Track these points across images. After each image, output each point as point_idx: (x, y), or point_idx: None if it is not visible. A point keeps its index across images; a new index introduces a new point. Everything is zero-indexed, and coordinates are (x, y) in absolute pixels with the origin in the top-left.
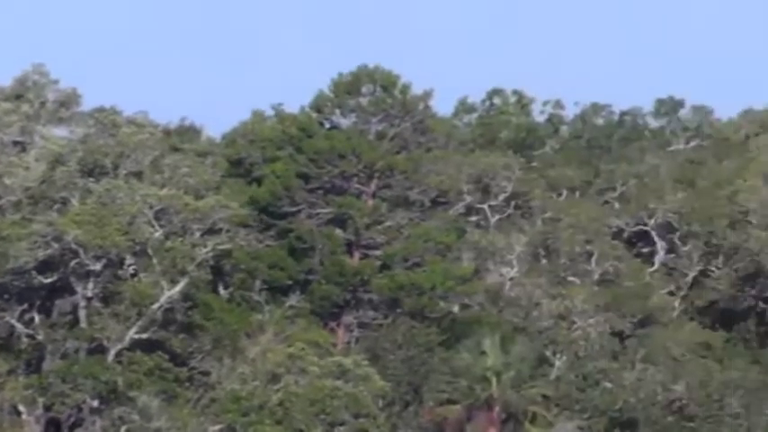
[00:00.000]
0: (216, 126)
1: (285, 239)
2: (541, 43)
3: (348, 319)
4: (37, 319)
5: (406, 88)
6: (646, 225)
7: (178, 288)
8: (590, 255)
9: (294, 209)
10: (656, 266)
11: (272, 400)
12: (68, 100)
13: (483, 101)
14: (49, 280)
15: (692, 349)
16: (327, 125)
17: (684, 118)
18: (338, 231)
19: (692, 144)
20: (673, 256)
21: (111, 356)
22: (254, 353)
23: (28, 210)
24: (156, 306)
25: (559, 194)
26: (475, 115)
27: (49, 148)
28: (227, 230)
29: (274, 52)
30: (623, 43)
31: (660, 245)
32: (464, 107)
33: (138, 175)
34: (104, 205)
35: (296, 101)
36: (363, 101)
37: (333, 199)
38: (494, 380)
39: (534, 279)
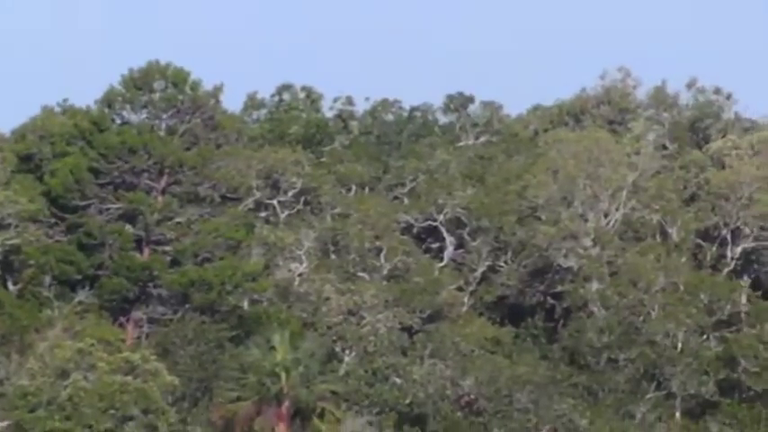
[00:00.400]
0: (5, 122)
1: (75, 234)
2: (331, 38)
3: (138, 314)
4: None
5: (196, 84)
6: (435, 221)
7: None
8: (379, 250)
9: (84, 203)
10: (445, 262)
11: (61, 395)
12: None
13: (272, 96)
14: None
15: (480, 344)
16: (118, 120)
17: (474, 114)
18: (128, 227)
19: (482, 140)
20: (462, 251)
21: None
22: (43, 348)
23: None
24: None
25: (349, 190)
26: (264, 111)
27: None
28: (16, 226)
29: (63, 47)
30: (413, 39)
31: (449, 240)
32: (253, 103)
33: None
34: None
35: (86, 97)
36: (154, 96)
37: (123, 194)
38: (283, 375)
39: (323, 275)
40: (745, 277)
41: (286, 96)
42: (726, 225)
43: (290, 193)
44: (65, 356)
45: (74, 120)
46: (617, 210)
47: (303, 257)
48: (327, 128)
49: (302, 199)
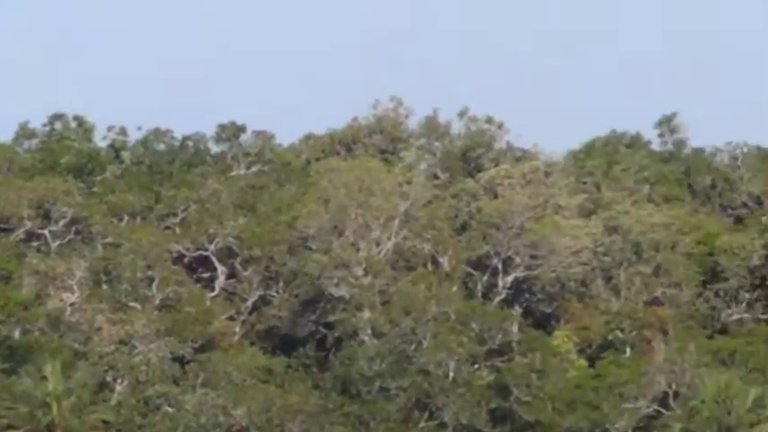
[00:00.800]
0: None
1: None
2: (103, 68)
3: None
4: None
5: None
6: (206, 250)
7: None
8: (151, 280)
9: None
10: (216, 291)
11: None
12: None
13: (44, 126)
14: None
15: (252, 374)
16: None
17: (246, 143)
18: None
19: (254, 169)
20: (233, 281)
21: None
22: None
23: None
24: None
25: (120, 220)
26: (36, 141)
27: None
28: None
29: None
30: (190, 68)
31: (221, 270)
32: (25, 132)
33: None
34: None
35: None
36: None
37: None
38: (54, 405)
39: (95, 304)
40: (517, 306)
41: (58, 126)
42: (497, 254)
43: (61, 223)
44: None
45: None
46: (389, 239)
47: (75, 287)
48: (99, 157)
49: (73, 228)
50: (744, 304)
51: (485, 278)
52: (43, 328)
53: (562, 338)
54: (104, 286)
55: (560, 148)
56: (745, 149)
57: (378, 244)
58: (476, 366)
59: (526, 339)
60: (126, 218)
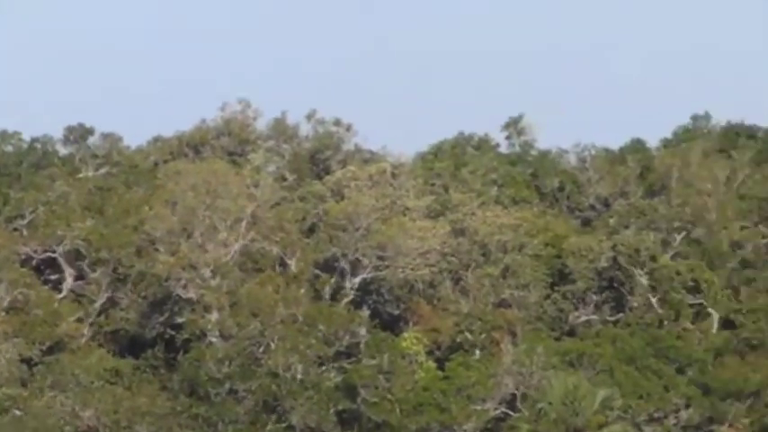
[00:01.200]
0: None
1: None
2: None
3: None
4: None
5: None
6: (54, 252)
7: None
8: None
9: None
10: (64, 293)
11: None
12: None
13: None
14: None
15: (100, 376)
16: None
17: (94, 145)
18: None
19: (102, 171)
20: (81, 282)
21: None
22: None
23: None
24: None
25: None
26: None
27: None
28: None
29: None
30: (34, 69)
31: (68, 272)
32: None
33: None
34: None
35: None
36: None
37: None
38: None
39: None
40: (365, 308)
41: None
42: (344, 256)
43: None
44: None
45: None
46: (236, 240)
47: None
48: None
49: None
50: (591, 306)
51: (332, 280)
52: None
53: (411, 340)
54: None
55: (409, 151)
56: (592, 152)
57: (226, 246)
58: (323, 368)
59: (374, 341)
60: None
